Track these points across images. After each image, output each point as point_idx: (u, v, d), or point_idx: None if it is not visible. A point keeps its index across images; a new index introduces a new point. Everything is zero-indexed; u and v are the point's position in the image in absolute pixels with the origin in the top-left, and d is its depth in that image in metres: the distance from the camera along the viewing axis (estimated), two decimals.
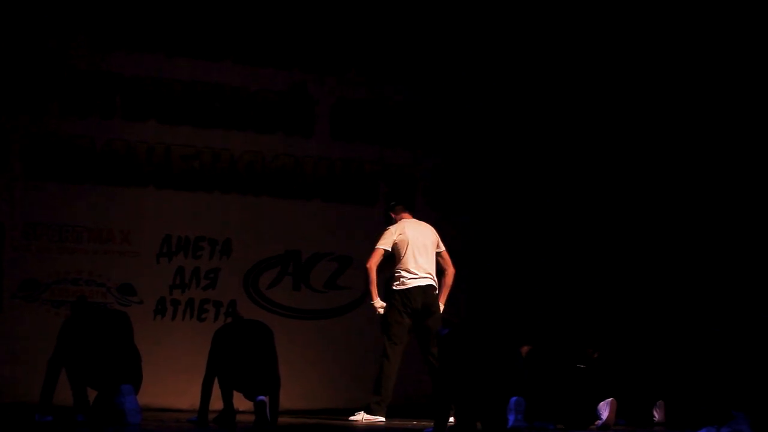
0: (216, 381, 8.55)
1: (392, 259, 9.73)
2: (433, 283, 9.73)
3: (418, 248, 9.72)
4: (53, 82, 10.45)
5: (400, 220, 9.86)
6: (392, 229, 9.79)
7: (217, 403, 8.57)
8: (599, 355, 9.83)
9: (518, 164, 11.65)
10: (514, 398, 8.36)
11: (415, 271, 9.68)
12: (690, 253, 11.29)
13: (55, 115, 10.45)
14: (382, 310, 9.68)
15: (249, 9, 11.01)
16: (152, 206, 10.68)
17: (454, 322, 8.75)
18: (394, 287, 9.71)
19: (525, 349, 9.46)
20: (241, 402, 8.64)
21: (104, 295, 10.45)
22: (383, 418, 9.53)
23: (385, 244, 9.73)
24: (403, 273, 9.68)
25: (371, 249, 9.74)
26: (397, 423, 9.48)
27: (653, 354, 10.49)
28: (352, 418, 9.56)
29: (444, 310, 9.74)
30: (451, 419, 8.11)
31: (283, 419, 8.76)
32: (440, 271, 9.83)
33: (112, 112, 10.63)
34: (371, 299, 9.70)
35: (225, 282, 10.84)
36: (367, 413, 9.53)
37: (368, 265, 9.70)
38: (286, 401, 8.71)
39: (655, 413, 10.05)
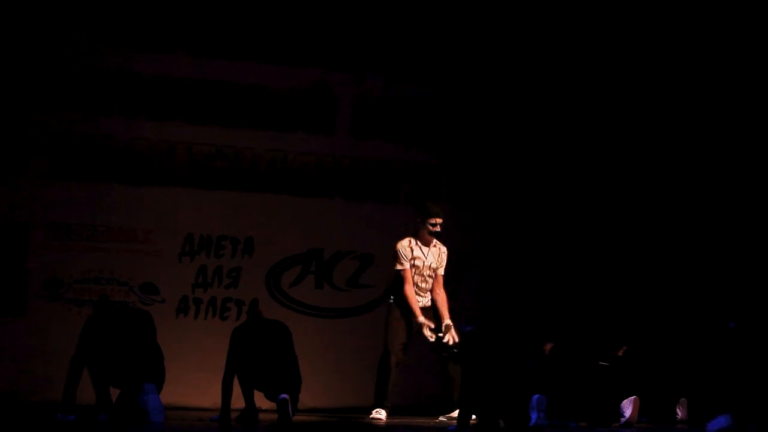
0: (236, 380, 8.56)
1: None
2: None
3: None
4: (77, 81, 10.46)
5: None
6: None
7: (239, 401, 8.58)
8: (623, 353, 9.80)
9: (543, 161, 11.61)
10: (536, 396, 8.35)
11: None
12: (713, 250, 11.25)
13: (79, 115, 10.47)
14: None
15: (271, 8, 11.01)
16: (174, 205, 10.68)
17: (476, 318, 8.75)
18: None
19: (548, 346, 9.45)
20: (262, 400, 8.64)
21: (127, 294, 10.46)
22: None
23: None
24: None
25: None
26: (421, 421, 9.47)
27: (676, 352, 10.46)
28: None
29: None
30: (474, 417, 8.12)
31: (304, 417, 8.76)
32: None
33: (136, 111, 10.65)
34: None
35: (247, 280, 10.83)
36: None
37: None
38: (308, 399, 8.72)
39: (678, 411, 10.02)
